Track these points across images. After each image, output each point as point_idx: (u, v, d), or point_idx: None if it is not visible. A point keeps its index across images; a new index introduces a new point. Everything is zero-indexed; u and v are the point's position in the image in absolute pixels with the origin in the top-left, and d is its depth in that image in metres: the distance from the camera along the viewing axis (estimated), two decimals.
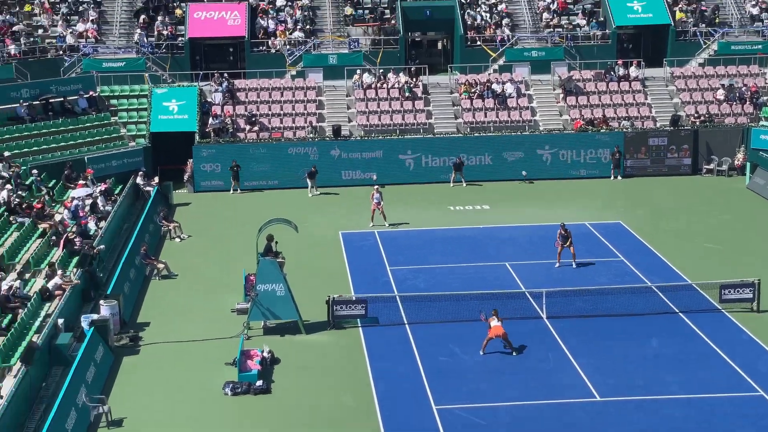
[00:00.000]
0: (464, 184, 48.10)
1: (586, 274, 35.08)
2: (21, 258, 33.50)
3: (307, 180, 47.26)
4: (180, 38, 56.77)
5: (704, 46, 57.45)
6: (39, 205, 38.02)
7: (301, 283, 32.16)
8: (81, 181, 42.85)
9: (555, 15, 59.53)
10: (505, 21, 58.53)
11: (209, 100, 51.56)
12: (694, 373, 27.01)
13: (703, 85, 53.74)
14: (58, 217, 37.91)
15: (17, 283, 30.21)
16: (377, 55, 56.61)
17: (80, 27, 56.38)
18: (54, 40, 55.65)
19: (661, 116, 51.85)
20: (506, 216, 42.87)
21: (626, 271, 35.38)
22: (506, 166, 49.06)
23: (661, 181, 48.79)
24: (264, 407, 25.67)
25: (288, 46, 56.59)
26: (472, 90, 52.73)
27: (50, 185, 42.68)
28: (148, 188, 44.73)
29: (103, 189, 42.01)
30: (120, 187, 44.56)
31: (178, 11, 58.18)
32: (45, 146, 46.48)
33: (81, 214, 38.23)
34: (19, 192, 39.52)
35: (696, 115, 51.40)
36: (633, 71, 54.19)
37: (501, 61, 56.37)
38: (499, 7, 59.59)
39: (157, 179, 45.95)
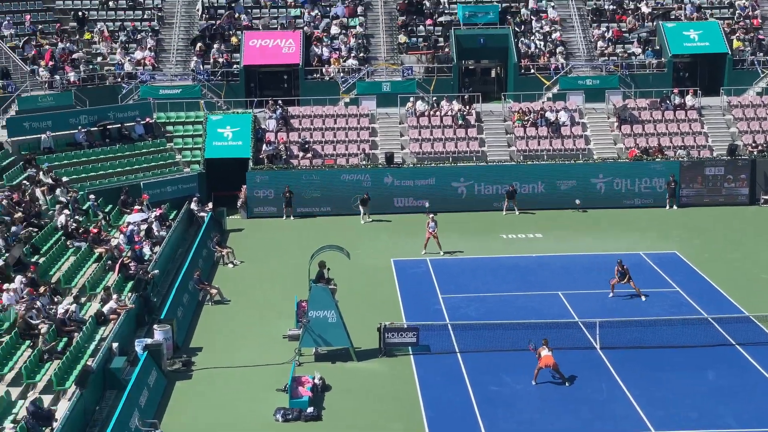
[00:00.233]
0: (517, 213, 47.84)
1: (641, 304, 34.69)
2: (77, 282, 34.00)
3: (360, 207, 47.40)
4: (235, 66, 57.41)
5: (762, 75, 56.79)
6: (95, 230, 38.52)
7: (352, 310, 32.17)
8: (137, 207, 43.39)
9: (610, 43, 59.21)
10: (559, 49, 58.37)
11: (263, 126, 51.95)
12: (749, 406, 26.58)
13: (760, 114, 53.01)
14: (113, 242, 38.37)
15: (73, 307, 30.61)
16: (430, 83, 56.69)
17: (138, 55, 57.30)
18: (112, 68, 56.57)
19: (718, 145, 51.22)
20: (559, 245, 42.56)
21: (681, 302, 34.92)
22: (559, 195, 48.70)
23: (718, 211, 48.08)
24: None
25: (342, 74, 56.93)
26: (526, 118, 52.54)
27: (107, 210, 43.25)
28: (202, 214, 45.06)
29: (158, 214, 42.40)
30: (174, 212, 44.96)
31: (233, 39, 58.86)
32: (102, 172, 47.07)
33: (136, 239, 38.65)
34: (77, 217, 40.12)
35: (753, 144, 50.73)
36: (689, 100, 53.62)
37: (555, 90, 56.16)
38: (553, 36, 59.44)
39: (210, 205, 46.23)
